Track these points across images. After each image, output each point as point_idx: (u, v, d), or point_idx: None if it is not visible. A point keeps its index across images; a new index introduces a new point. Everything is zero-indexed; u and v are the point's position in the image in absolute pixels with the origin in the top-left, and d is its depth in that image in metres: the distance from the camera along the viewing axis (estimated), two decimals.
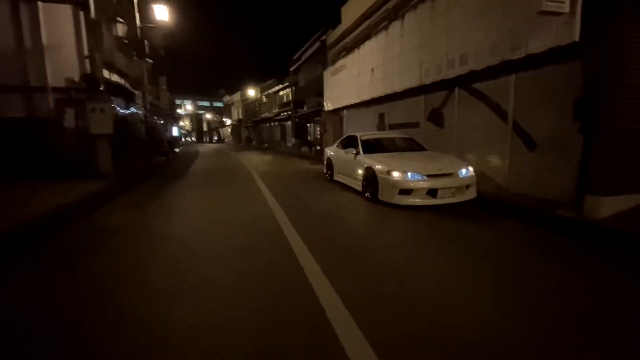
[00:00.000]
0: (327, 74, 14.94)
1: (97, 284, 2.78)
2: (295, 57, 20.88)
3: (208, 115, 61.43)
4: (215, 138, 59.78)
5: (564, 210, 4.46)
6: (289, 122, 24.03)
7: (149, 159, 11.48)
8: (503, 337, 1.94)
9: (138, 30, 10.29)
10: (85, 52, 9.54)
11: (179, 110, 43.90)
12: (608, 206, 4.09)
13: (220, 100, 57.64)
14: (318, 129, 18.03)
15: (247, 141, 39.60)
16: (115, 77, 11.48)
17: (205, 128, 65.33)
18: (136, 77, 10.01)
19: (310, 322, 2.09)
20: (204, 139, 63.30)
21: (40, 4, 9.14)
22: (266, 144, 31.06)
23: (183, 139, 53.54)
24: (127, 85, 10.34)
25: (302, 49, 19.60)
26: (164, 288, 2.63)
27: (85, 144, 9.37)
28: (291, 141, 23.09)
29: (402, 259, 3.26)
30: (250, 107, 37.64)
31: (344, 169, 7.06)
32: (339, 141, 8.05)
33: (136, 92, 11.09)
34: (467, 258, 3.24)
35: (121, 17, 10.11)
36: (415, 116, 8.75)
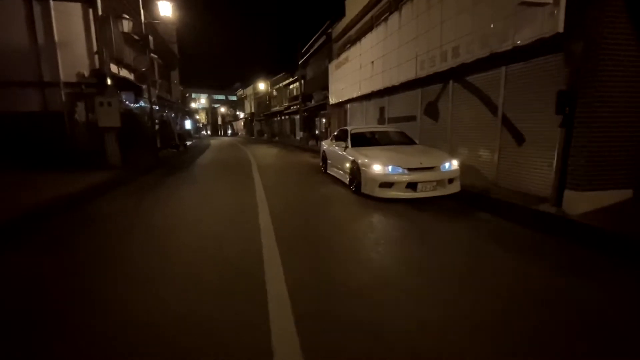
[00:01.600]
0: (331, 67, 14.92)
1: (82, 257, 3.13)
2: (303, 51, 20.88)
3: (222, 109, 62.32)
4: (230, 132, 60.68)
5: (545, 206, 4.41)
6: (298, 116, 24.16)
7: (156, 152, 11.88)
8: (408, 323, 2.02)
9: (143, 27, 10.59)
10: (94, 48, 9.94)
11: (193, 104, 44.72)
12: (586, 202, 4.03)
13: (235, 94, 58.37)
14: (324, 122, 18.07)
15: (259, 134, 40.04)
16: (124, 72, 11.91)
17: (219, 122, 66.38)
18: (142, 71, 10.33)
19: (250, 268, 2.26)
20: (219, 132, 64.36)
21: (52, 2, 9.57)
22: (276, 137, 31.35)
23: (199, 133, 54.67)
24: (134, 80, 10.70)
25: (310, 42, 19.58)
26: (141, 265, 2.90)
27: (95, 137, 9.82)
28: (299, 134, 23.24)
29: (357, 247, 3.37)
30: (261, 100, 37.97)
31: (335, 162, 7.15)
32: (333, 135, 8.12)
33: (144, 86, 11.46)
34: (424, 247, 3.32)
35: (127, 14, 10.44)
36: (413, 110, 8.69)
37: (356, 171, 5.62)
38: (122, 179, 7.92)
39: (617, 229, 3.44)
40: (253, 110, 41.92)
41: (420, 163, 5.11)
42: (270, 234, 3.68)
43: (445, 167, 5.17)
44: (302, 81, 21.96)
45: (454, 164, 5.30)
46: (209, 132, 62.82)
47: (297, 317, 2.04)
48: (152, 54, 16.70)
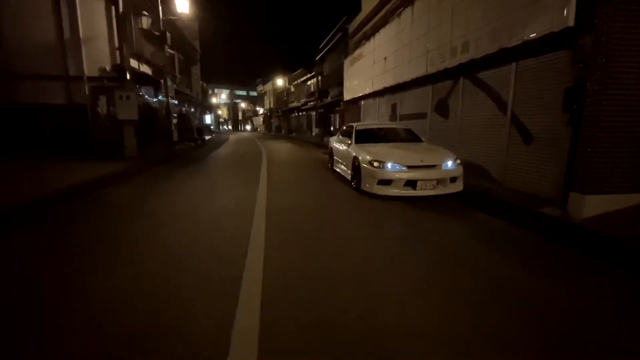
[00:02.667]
0: (346, 63, 14.82)
1: (84, 238, 3.41)
2: (320, 47, 20.84)
3: (243, 105, 63.34)
4: (249, 127, 61.66)
5: (550, 208, 4.24)
6: (315, 112, 24.19)
7: (172, 145, 12.27)
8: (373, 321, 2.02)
9: (161, 23, 10.93)
10: (116, 43, 10.38)
11: (214, 100, 45.69)
12: (593, 205, 3.83)
13: (255, 90, 59.16)
14: (338, 118, 18.01)
15: (277, 130, 40.42)
16: (144, 67, 12.36)
17: (240, 117, 67.56)
18: (159, 67, 10.69)
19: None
20: (239, 128, 65.55)
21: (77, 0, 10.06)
22: (293, 133, 31.55)
23: (220, 127, 55.90)
24: (152, 75, 11.08)
25: (327, 38, 19.50)
26: (138, 248, 3.07)
27: (115, 129, 10.28)
28: (315, 130, 23.28)
29: (338, 242, 3.38)
30: (280, 96, 38.27)
31: (340, 159, 7.14)
32: (340, 131, 8.09)
33: (162, 81, 11.84)
34: (407, 246, 3.27)
35: (148, 11, 10.80)
36: (424, 107, 8.51)
37: (357, 168, 5.60)
38: (135, 170, 8.26)
39: (622, 235, 3.26)
40: (272, 106, 42.35)
41: (421, 161, 5.02)
42: (261, 230, 3.73)
43: (447, 165, 5.05)
44: (319, 77, 21.96)
45: (457, 162, 5.16)
46: (230, 127, 64.13)
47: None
48: (173, 50, 17.23)
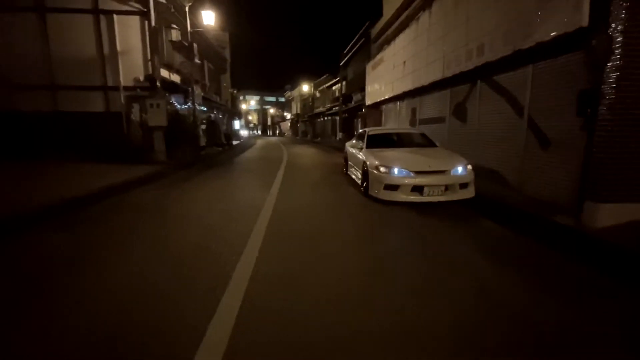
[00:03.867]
0: (368, 68, 14.82)
1: (109, 231, 3.94)
2: (345, 52, 20.97)
3: (271, 110, 64.87)
4: (278, 132, 62.98)
5: (564, 217, 4.01)
6: (339, 117, 24.31)
7: (198, 149, 12.90)
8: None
9: (188, 35, 11.59)
10: (149, 55, 11.16)
11: (243, 106, 47.22)
12: (608, 215, 3.59)
13: (284, 96, 60.47)
14: (360, 123, 17.99)
15: (304, 135, 40.96)
16: (174, 77, 13.14)
17: (269, 122, 69.25)
18: (187, 76, 11.33)
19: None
20: (268, 133, 67.16)
21: (115, 16, 10.95)
22: (318, 138, 31.82)
23: (250, 132, 57.56)
24: (180, 84, 11.76)
25: (351, 43, 19.60)
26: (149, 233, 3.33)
27: (147, 135, 11.02)
28: (339, 135, 23.37)
29: (333, 246, 3.43)
30: (306, 102, 38.81)
31: (353, 163, 7.17)
32: (355, 136, 8.12)
33: (190, 89, 12.52)
34: (402, 253, 3.24)
35: (178, 24, 11.52)
36: (442, 111, 8.34)
37: (366, 172, 5.61)
38: (162, 173, 8.80)
39: (636, 248, 3.03)
40: (298, 112, 43.05)
41: (429, 166, 4.94)
42: (262, 230, 3.88)
43: (457, 171, 4.93)
44: (343, 82, 22.07)
45: (468, 168, 5.02)
46: (259, 132, 65.88)
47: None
48: (202, 59, 18.13)
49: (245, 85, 61.23)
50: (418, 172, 4.85)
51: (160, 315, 2.13)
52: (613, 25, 3.43)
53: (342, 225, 4.22)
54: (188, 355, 1.74)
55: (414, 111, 10.36)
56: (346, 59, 20.99)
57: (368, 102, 14.84)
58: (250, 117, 64.16)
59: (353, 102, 20.26)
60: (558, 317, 2.15)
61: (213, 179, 8.06)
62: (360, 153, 6.31)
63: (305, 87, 35.85)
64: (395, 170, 4.93)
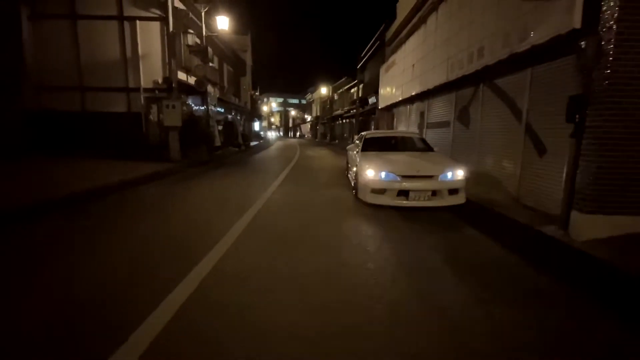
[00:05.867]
0: (382, 71, 14.73)
1: (120, 216, 4.49)
2: (362, 54, 20.91)
3: (293, 112, 65.65)
4: (298, 134, 63.64)
5: (552, 228, 3.85)
6: (355, 120, 24.24)
7: (212, 149, 13.35)
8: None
9: (204, 40, 12.05)
10: (167, 59, 11.71)
11: (265, 108, 48.09)
12: (596, 227, 3.40)
13: (305, 98, 61.07)
14: (373, 126, 17.88)
15: (323, 137, 41.11)
16: (192, 79, 13.69)
17: (290, 124, 70.15)
18: (201, 78, 11.78)
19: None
20: (289, 134, 68.02)
21: (138, 22, 11.61)
22: (336, 140, 31.86)
23: (270, 134, 58.61)
24: (195, 86, 12.25)
25: (368, 46, 19.52)
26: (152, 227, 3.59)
27: (163, 134, 11.56)
28: (355, 138, 23.30)
29: (303, 244, 3.49)
30: (325, 104, 38.99)
31: (351, 166, 7.19)
32: (356, 139, 8.12)
33: (208, 91, 13.00)
34: (366, 257, 3.23)
35: (194, 29, 12.02)
36: (447, 115, 8.17)
37: (357, 175, 5.62)
38: (174, 170, 9.22)
39: (621, 264, 2.85)
40: (318, 114, 43.29)
41: (417, 171, 4.88)
42: (242, 226, 4.04)
43: (445, 176, 4.84)
44: (361, 85, 22.01)
45: (459, 174, 4.91)
46: (280, 134, 66.91)
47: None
48: (222, 62, 18.75)
49: (269, 87, 62.66)
50: (405, 177, 4.81)
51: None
52: (602, 25, 3.27)
53: (319, 229, 4.18)
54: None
55: (422, 115, 10.20)
56: (363, 61, 20.93)
57: (381, 105, 14.74)
58: (272, 119, 65.32)
59: (369, 105, 20.14)
60: (489, 321, 2.15)
61: (220, 178, 8.36)
62: (356, 156, 6.32)
63: (324, 90, 36.04)
64: (382, 174, 4.91)
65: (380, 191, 4.89)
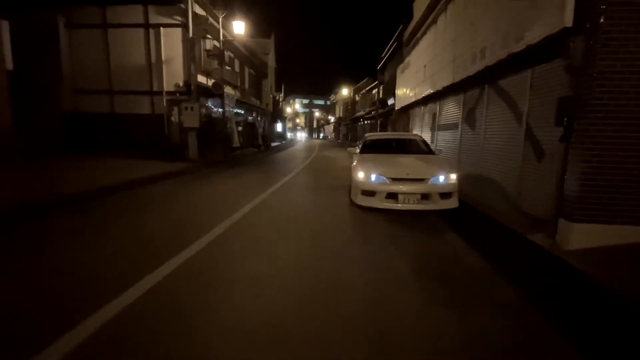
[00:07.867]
0: (398, 72, 14.53)
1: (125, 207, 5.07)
2: (382, 55, 20.72)
3: (317, 113, 66.03)
4: (322, 135, 63.93)
5: (539, 235, 3.71)
6: (375, 121, 24.06)
7: (228, 150, 13.83)
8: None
9: (220, 44, 12.53)
10: (187, 63, 12.30)
11: (288, 109, 48.79)
12: (583, 236, 3.24)
13: (329, 100, 61.25)
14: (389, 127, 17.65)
15: (345, 138, 41.07)
16: (211, 82, 14.27)
17: (315, 125, 70.66)
18: (219, 81, 12.25)
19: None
20: (313, 135, 68.54)
21: (162, 29, 12.29)
22: (357, 142, 31.74)
23: (295, 135, 59.43)
24: (213, 89, 12.75)
25: (387, 47, 19.31)
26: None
27: (184, 135, 12.15)
28: None
29: (276, 245, 3.59)
30: (348, 105, 38.91)
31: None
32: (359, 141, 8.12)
33: (226, 93, 13.48)
34: (336, 258, 3.28)
35: (213, 34, 12.54)
36: (456, 117, 7.95)
37: (351, 177, 5.65)
38: (190, 169, 9.69)
39: (606, 277, 2.69)
40: (341, 115, 43.29)
41: (407, 174, 4.83)
42: (235, 219, 4.23)
43: (437, 180, 4.75)
44: (381, 86, 21.82)
45: (451, 178, 4.81)
46: (306, 135, 67.56)
47: None
48: (244, 65, 19.32)
49: (296, 89, 63.46)
50: (394, 179, 4.78)
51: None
52: (590, 24, 3.11)
53: (305, 229, 4.28)
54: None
55: (434, 116, 9.98)
56: (383, 62, 20.73)
57: (397, 106, 14.54)
58: (298, 120, 66.15)
59: (388, 106, 19.92)
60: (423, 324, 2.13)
61: (230, 177, 8.74)
62: (354, 157, 6.34)
63: (345, 92, 36.00)
64: (372, 176, 4.91)
65: (370, 193, 4.90)
